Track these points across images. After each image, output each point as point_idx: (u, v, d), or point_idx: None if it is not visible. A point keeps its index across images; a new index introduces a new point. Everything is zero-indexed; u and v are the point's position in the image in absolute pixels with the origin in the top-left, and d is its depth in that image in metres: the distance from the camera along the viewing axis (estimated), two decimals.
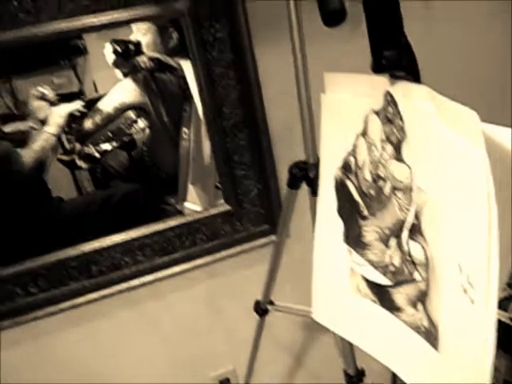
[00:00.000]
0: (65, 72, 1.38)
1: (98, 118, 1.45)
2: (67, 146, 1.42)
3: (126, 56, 1.34)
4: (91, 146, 1.48)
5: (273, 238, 1.29)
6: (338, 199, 0.79)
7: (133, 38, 1.33)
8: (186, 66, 1.34)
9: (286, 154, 1.23)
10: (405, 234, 0.66)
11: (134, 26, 1.31)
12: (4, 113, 1.31)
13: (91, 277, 1.19)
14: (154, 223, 1.26)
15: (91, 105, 1.42)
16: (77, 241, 1.20)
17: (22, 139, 1.29)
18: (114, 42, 1.29)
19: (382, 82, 0.64)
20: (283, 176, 1.25)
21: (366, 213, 0.73)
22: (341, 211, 0.79)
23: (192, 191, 1.45)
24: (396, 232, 0.68)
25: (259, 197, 1.27)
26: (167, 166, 1.49)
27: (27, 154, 1.26)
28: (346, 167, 0.76)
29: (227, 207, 1.26)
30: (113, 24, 1.04)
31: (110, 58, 1.33)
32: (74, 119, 1.39)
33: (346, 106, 0.73)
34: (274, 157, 1.24)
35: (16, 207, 1.25)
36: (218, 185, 1.39)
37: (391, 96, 0.64)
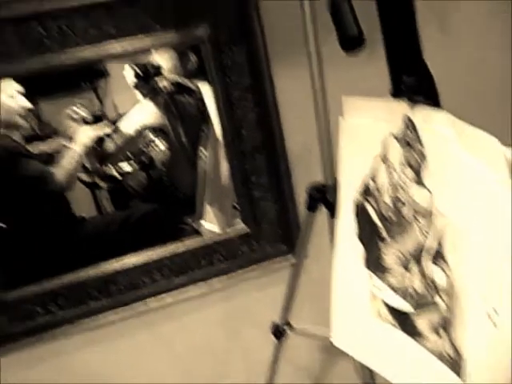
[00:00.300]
0: (86, 94, 1.42)
1: (118, 139, 1.48)
2: (88, 165, 1.46)
3: (146, 78, 1.38)
4: (111, 167, 1.51)
5: (290, 258, 1.28)
6: (358, 222, 0.79)
7: (152, 60, 1.36)
8: (205, 89, 1.37)
9: (304, 175, 1.24)
10: (425, 259, 0.65)
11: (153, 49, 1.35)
12: (29, 134, 1.36)
13: (110, 296, 1.20)
14: (172, 243, 1.27)
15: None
16: (96, 260, 1.22)
17: (48, 158, 1.33)
18: (134, 64, 1.33)
19: (400, 106, 0.65)
20: (301, 197, 1.26)
21: (385, 236, 0.73)
22: (360, 235, 0.79)
23: (209, 211, 1.46)
24: (417, 256, 0.67)
25: (277, 218, 1.27)
26: (185, 186, 1.51)
27: (59, 172, 1.29)
28: (365, 190, 0.76)
29: (245, 228, 1.27)
30: (135, 51, 1.07)
31: (131, 80, 1.37)
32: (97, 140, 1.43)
33: (364, 130, 0.74)
34: (292, 178, 1.25)
35: (40, 226, 1.28)
36: (236, 205, 1.40)
37: (410, 121, 0.64)
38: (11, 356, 1.16)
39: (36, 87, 1.26)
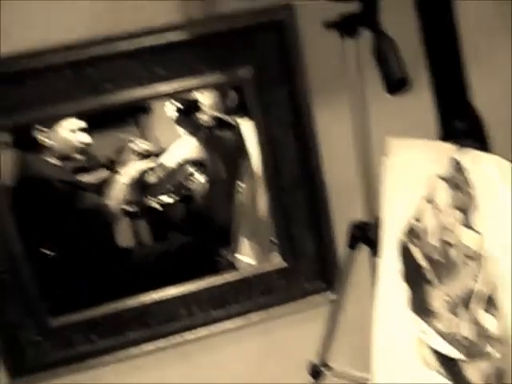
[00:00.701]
0: (130, 128, 1.49)
1: (160, 172, 1.54)
2: (131, 197, 1.51)
3: (187, 113, 1.43)
4: (153, 198, 1.56)
5: (328, 295, 1.26)
6: (402, 263, 0.77)
7: (193, 96, 1.42)
8: (244, 124, 1.41)
9: (343, 211, 1.24)
10: (475, 304, 0.63)
11: None
12: (77, 166, 1.43)
13: (147, 327, 1.21)
14: (210, 276, 1.27)
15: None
16: (135, 291, 1.24)
17: (97, 190, 1.39)
18: (176, 100, 1.39)
19: (448, 148, 0.65)
20: (340, 233, 1.25)
21: (432, 279, 0.71)
22: (405, 275, 0.77)
23: (245, 244, 1.47)
24: (466, 300, 0.65)
25: (315, 254, 1.26)
26: (222, 219, 1.53)
27: (111, 204, 1.35)
28: (409, 231, 0.75)
29: (282, 263, 1.27)
30: (183, 91, 1.13)
31: (172, 115, 1.43)
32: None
33: (408, 171, 0.73)
34: (331, 214, 1.24)
35: (86, 255, 1.32)
36: (273, 239, 1.40)
37: (458, 163, 0.64)
38: (52, 382, 1.19)
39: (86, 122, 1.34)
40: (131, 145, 1.42)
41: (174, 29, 1.06)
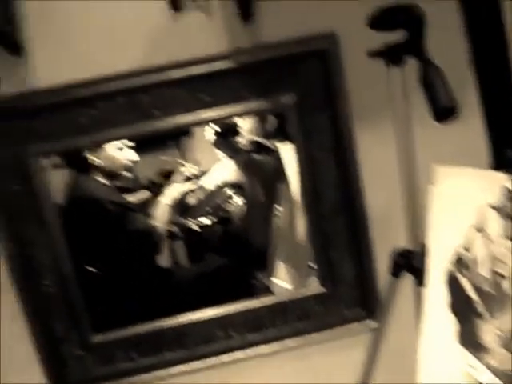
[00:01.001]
0: (171, 151, 1.54)
1: (200, 194, 1.57)
2: (171, 218, 1.54)
3: (225, 137, 1.47)
4: (191, 220, 1.59)
5: (368, 323, 1.23)
6: (450, 294, 0.75)
7: (233, 120, 1.45)
8: (283, 149, 1.43)
9: (384, 238, 1.22)
10: None
11: None
12: (124, 185, 1.48)
13: (185, 348, 1.22)
14: (246, 299, 1.28)
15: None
16: (174, 311, 1.25)
17: (142, 210, 1.43)
18: (215, 123, 1.43)
19: (499, 177, 0.64)
20: (380, 260, 1.23)
21: (483, 312, 0.69)
22: (453, 307, 0.75)
23: (282, 268, 1.46)
24: None
25: (355, 280, 1.24)
26: (259, 242, 1.53)
27: (158, 225, 1.39)
28: (458, 260, 0.73)
29: (321, 288, 1.25)
30: (226, 117, 1.16)
31: (211, 138, 1.46)
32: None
33: (457, 199, 0.72)
34: (372, 240, 1.23)
35: (128, 274, 1.36)
36: (311, 264, 1.39)
37: (511, 192, 0.62)
38: None
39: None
40: (182, 169, 1.46)
41: (220, 58, 1.10)
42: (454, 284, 0.74)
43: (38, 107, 1.07)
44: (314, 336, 1.25)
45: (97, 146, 1.23)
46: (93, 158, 1.33)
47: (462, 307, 0.72)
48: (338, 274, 1.24)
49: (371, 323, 1.20)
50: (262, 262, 1.47)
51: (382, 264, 1.20)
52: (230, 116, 1.18)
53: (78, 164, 1.35)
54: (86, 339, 1.18)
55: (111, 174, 1.40)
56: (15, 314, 1.15)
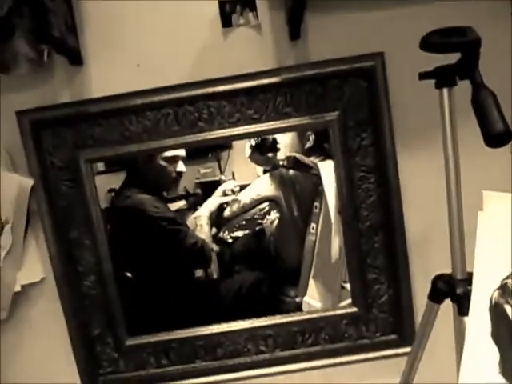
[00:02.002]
0: (210, 164, 1.57)
1: (235, 207, 1.59)
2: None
3: (262, 151, 1.48)
4: (226, 232, 1.60)
5: (400, 350, 1.20)
6: (493, 323, 0.73)
7: (272, 136, 1.47)
8: (322, 166, 1.43)
9: (422, 262, 1.19)
10: None
11: None
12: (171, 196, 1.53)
13: (215, 359, 1.22)
14: (279, 315, 1.27)
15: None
16: (206, 321, 1.26)
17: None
18: (256, 139, 1.45)
19: None
20: (416, 284, 1.20)
21: None
22: (496, 337, 0.72)
23: (313, 287, 1.45)
24: None
25: (389, 303, 1.22)
26: (291, 259, 1.53)
27: (207, 239, 1.43)
28: (505, 290, 0.70)
29: (354, 309, 1.23)
30: (270, 131, 1.18)
31: (250, 152, 1.48)
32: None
33: (506, 226, 0.70)
34: (409, 264, 1.20)
35: (165, 281, 1.39)
36: (343, 284, 1.37)
37: None
38: None
39: None
40: (223, 185, 1.49)
41: (266, 74, 1.13)
42: (499, 313, 0.71)
43: (92, 115, 1.13)
44: (345, 357, 1.23)
45: (145, 155, 1.26)
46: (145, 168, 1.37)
47: (505, 338, 0.70)
48: (372, 295, 1.22)
49: (403, 348, 1.17)
50: (294, 280, 1.47)
51: (419, 289, 1.18)
52: (273, 131, 1.19)
53: (130, 173, 1.41)
54: (120, 342, 1.21)
55: (160, 186, 1.45)
56: (56, 312, 1.19)
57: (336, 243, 1.39)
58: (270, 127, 1.16)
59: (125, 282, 1.29)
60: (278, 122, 1.15)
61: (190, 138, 1.14)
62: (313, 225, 1.47)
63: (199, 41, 1.13)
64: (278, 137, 1.48)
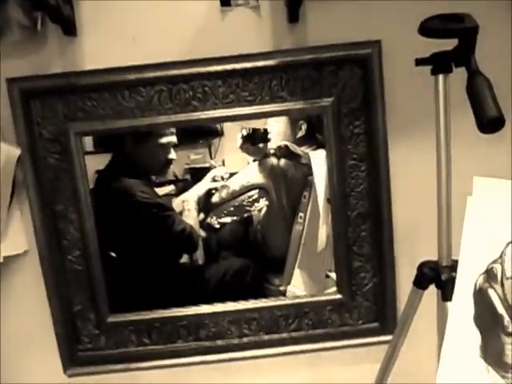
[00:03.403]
0: (201, 150, 1.56)
1: (224, 193, 1.58)
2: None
3: (253, 142, 1.47)
4: (214, 217, 1.60)
5: (382, 338, 1.21)
6: (476, 308, 0.74)
7: (265, 126, 1.46)
8: (313, 155, 1.43)
9: (408, 251, 1.20)
10: None
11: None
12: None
13: (198, 340, 1.22)
14: (263, 298, 1.28)
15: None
16: (190, 303, 1.26)
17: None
18: (245, 128, 1.44)
19: None
20: (402, 274, 1.21)
21: (511, 329, 0.67)
22: (478, 321, 0.73)
23: (298, 276, 1.45)
24: None
25: (373, 291, 1.23)
26: (277, 247, 1.53)
27: (194, 225, 1.42)
28: (490, 275, 0.71)
29: (338, 296, 1.24)
30: (264, 114, 1.18)
31: (239, 142, 1.47)
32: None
33: (496, 213, 0.71)
34: (395, 253, 1.21)
35: (149, 261, 1.38)
36: (328, 273, 1.38)
37: None
38: (99, 378, 1.22)
39: None
40: (213, 171, 1.48)
41: (262, 56, 1.12)
42: (481, 296, 0.72)
43: (85, 87, 1.11)
44: (328, 343, 1.24)
45: (137, 130, 1.24)
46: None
47: (488, 322, 0.71)
48: (357, 283, 1.23)
49: (387, 336, 1.18)
50: (279, 268, 1.47)
51: (404, 279, 1.20)
52: (267, 114, 1.19)
53: (117, 155, 1.39)
54: (102, 318, 1.20)
55: (148, 171, 1.43)
56: (38, 286, 1.18)
57: (323, 233, 1.39)
58: (264, 110, 1.15)
59: (109, 261, 1.27)
60: (272, 106, 1.15)
61: (183, 117, 1.13)
62: (301, 214, 1.47)
63: (197, 18, 1.12)
64: (270, 126, 1.47)
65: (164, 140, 1.37)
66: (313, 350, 1.24)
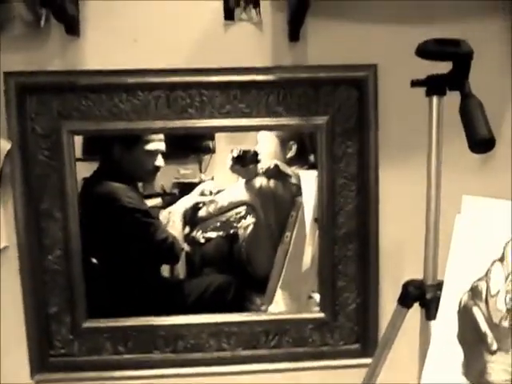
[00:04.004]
0: (191, 165, 1.57)
1: (212, 208, 1.57)
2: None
3: (243, 164, 1.48)
4: (200, 232, 1.58)
5: (363, 360, 1.19)
6: (460, 325, 0.74)
7: (256, 148, 1.48)
8: (303, 175, 1.44)
9: (392, 271, 1.21)
10: None
11: (259, 137, 1.48)
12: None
13: (175, 351, 1.18)
14: (244, 313, 1.25)
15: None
16: (169, 312, 1.23)
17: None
18: (235, 149, 1.45)
19: None
20: (385, 296, 1.21)
21: (494, 347, 0.67)
22: (462, 339, 0.73)
23: (280, 296, 1.44)
24: None
25: (356, 312, 1.22)
26: (261, 266, 1.52)
27: (177, 235, 1.40)
28: (474, 292, 0.72)
29: (321, 315, 1.23)
30: (259, 127, 1.19)
31: (229, 163, 1.48)
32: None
33: (483, 231, 0.72)
34: (379, 273, 1.21)
35: (130, 269, 1.35)
36: (312, 294, 1.37)
37: None
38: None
39: None
40: (202, 185, 1.48)
41: (261, 70, 1.14)
42: (465, 314, 0.72)
43: (82, 87, 1.11)
44: (308, 362, 1.21)
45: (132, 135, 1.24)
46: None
47: (471, 340, 0.71)
48: (340, 303, 1.22)
49: (367, 359, 1.17)
50: (261, 288, 1.45)
51: (387, 301, 1.19)
52: (262, 128, 1.20)
53: (105, 162, 1.38)
54: (77, 323, 1.16)
55: (135, 177, 1.42)
56: (14, 284, 1.14)
57: (309, 253, 1.39)
58: (259, 123, 1.17)
59: (89, 266, 1.25)
60: (268, 120, 1.17)
61: (178, 124, 1.14)
62: (287, 233, 1.47)
63: (199, 28, 1.14)
64: (260, 146, 1.48)
65: (151, 147, 1.38)
66: (291, 368, 1.21)
